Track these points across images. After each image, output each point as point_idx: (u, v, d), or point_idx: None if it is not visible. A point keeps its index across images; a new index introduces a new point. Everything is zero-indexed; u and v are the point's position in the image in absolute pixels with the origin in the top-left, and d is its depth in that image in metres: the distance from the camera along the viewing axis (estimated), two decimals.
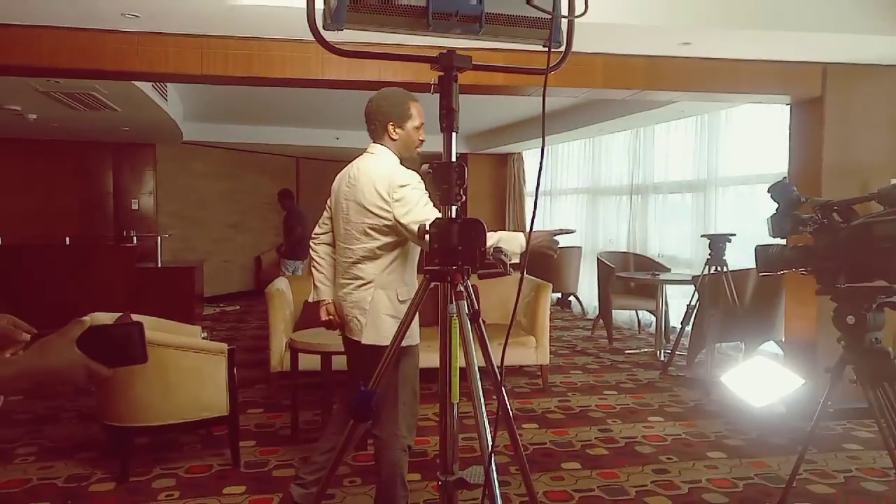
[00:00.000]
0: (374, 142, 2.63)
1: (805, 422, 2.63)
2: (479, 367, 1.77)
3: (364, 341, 2.53)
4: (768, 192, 2.36)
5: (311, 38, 1.52)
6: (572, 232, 2.44)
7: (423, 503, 3.03)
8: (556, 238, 2.31)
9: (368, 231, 2.51)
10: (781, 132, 4.90)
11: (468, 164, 11.44)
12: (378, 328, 2.51)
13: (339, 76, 3.76)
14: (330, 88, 4.07)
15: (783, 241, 2.37)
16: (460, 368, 1.84)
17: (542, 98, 1.57)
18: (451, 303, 1.84)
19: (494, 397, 1.67)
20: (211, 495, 3.12)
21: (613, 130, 7.84)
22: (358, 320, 2.54)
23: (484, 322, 1.91)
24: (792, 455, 3.05)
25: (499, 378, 1.90)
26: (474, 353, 1.81)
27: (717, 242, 4.96)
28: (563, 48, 1.71)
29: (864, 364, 2.02)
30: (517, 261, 2.32)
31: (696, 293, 5.12)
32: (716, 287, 4.88)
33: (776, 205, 2.34)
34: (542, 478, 3.28)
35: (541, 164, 1.84)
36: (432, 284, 1.81)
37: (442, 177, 1.82)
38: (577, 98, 4.92)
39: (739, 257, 4.97)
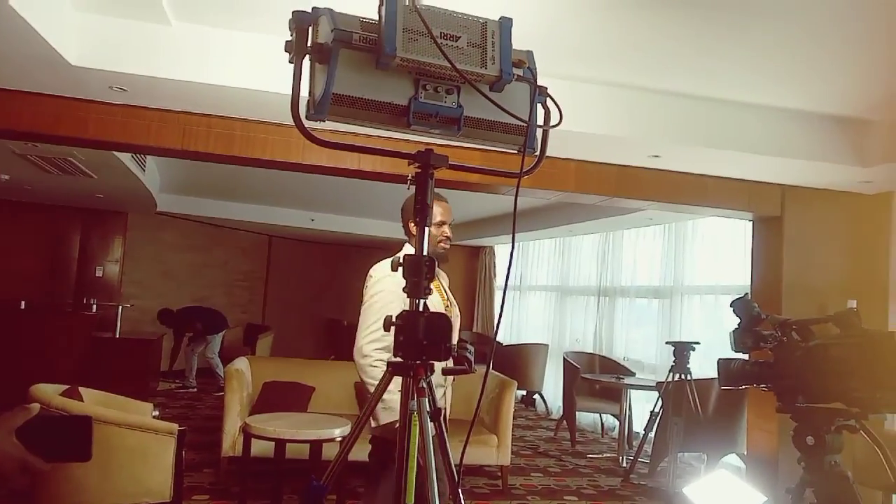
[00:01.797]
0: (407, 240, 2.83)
1: None
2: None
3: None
4: (731, 306, 2.40)
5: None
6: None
7: None
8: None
9: None
10: (746, 245, 5.06)
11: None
12: (377, 417, 2.64)
13: (320, 162, 3.84)
14: (310, 173, 4.14)
15: (745, 356, 2.40)
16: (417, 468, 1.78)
17: (514, 197, 1.62)
18: (413, 399, 1.81)
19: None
20: None
21: (584, 232, 8.03)
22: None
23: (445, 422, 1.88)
24: None
25: (456, 480, 1.85)
26: (432, 452, 1.76)
27: (682, 350, 5.00)
28: (537, 154, 1.78)
29: (823, 487, 2.00)
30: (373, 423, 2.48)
31: (660, 399, 5.11)
32: (679, 395, 4.88)
33: (738, 319, 2.39)
34: None
35: (510, 262, 1.86)
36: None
37: (412, 270, 1.83)
38: (550, 199, 5.07)
39: (704, 365, 5.01)
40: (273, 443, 3.75)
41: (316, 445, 3.70)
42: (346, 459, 1.93)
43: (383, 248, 9.75)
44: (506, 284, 1.97)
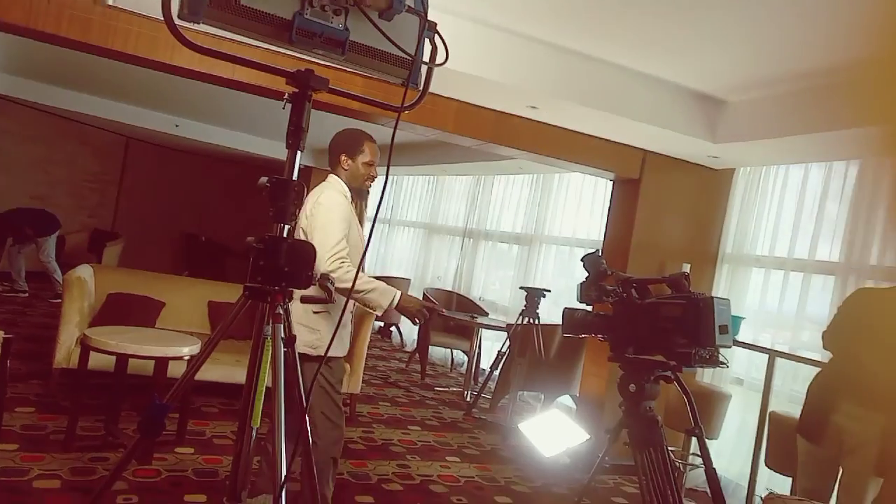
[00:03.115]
0: (331, 172, 2.91)
1: (584, 474, 2.86)
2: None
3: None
4: (581, 260, 2.56)
5: None
6: (441, 312, 2.75)
7: None
8: (425, 310, 2.72)
9: None
10: (604, 204, 5.37)
11: (311, 178, 11.28)
12: (305, 333, 2.65)
13: (190, 66, 3.56)
14: (177, 76, 3.84)
15: (589, 307, 2.58)
16: (266, 391, 1.78)
17: (393, 131, 1.61)
18: (268, 324, 1.79)
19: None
20: None
21: (457, 173, 8.14)
22: None
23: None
24: None
25: (304, 405, 1.87)
26: (282, 379, 1.77)
27: (533, 295, 5.28)
28: (420, 90, 1.77)
29: (636, 429, 2.24)
30: (380, 313, 2.55)
31: (508, 340, 5.40)
32: (526, 337, 5.18)
33: (587, 273, 2.56)
34: None
35: (382, 194, 1.86)
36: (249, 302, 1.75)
37: (279, 193, 1.77)
38: (428, 137, 5.08)
39: (552, 312, 5.33)
40: (114, 357, 3.57)
41: (161, 363, 3.57)
42: (192, 378, 1.89)
43: (254, 166, 9.36)
44: (375, 217, 1.97)
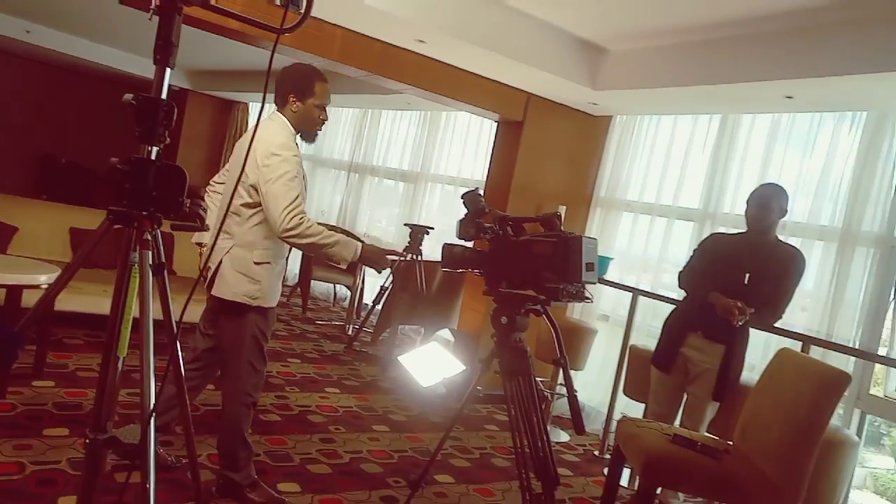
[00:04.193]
0: (276, 109, 2.69)
1: (459, 402, 2.98)
2: (157, 321, 1.67)
3: (213, 292, 2.64)
4: (461, 197, 2.61)
5: None
6: (403, 257, 2.66)
7: (66, 461, 2.74)
8: (388, 258, 2.73)
9: (240, 189, 2.56)
10: (489, 144, 5.45)
11: (187, 102, 10.59)
12: (229, 282, 2.60)
13: None
14: None
15: (469, 244, 2.65)
16: (134, 321, 1.71)
17: (271, 54, 1.54)
18: (135, 250, 1.70)
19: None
20: None
21: (342, 105, 7.93)
22: (213, 270, 2.64)
23: (173, 274, 1.81)
24: (444, 432, 3.42)
25: (175, 332, 1.81)
26: (151, 306, 1.70)
27: (417, 232, 5.34)
28: (301, 12, 1.69)
29: (506, 358, 2.36)
30: (343, 266, 2.45)
31: (391, 276, 5.45)
32: (409, 273, 5.25)
33: (466, 210, 2.61)
34: (208, 440, 3.19)
35: (257, 122, 1.79)
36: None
37: (146, 113, 1.66)
38: (311, 64, 4.89)
39: (436, 249, 5.41)
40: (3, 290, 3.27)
41: (14, 291, 3.30)
42: (49, 307, 1.79)
43: (126, 84, 8.62)
44: (249, 146, 1.90)
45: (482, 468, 3.61)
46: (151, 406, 1.60)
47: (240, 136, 10.34)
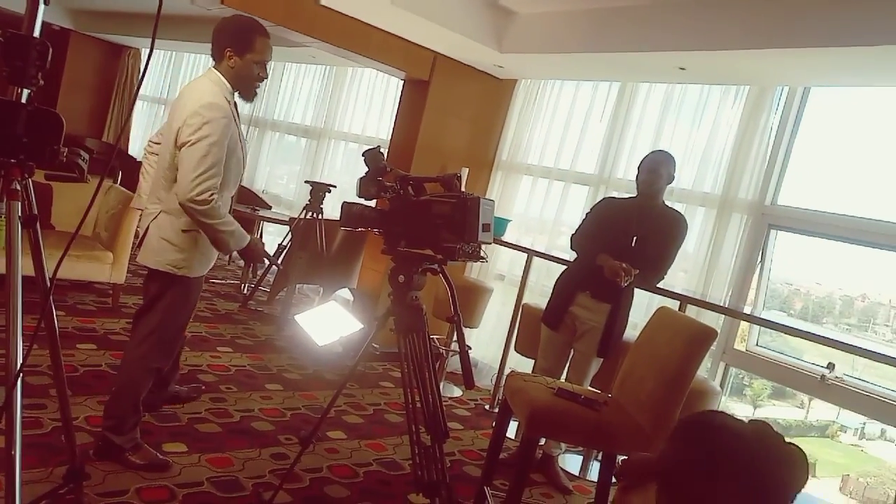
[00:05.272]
0: (213, 65, 2.55)
1: (353, 361, 3.00)
2: (28, 278, 1.57)
3: (138, 259, 2.58)
4: (363, 155, 2.58)
5: None
6: (275, 264, 2.62)
7: None
8: (264, 259, 2.74)
9: (167, 151, 2.47)
10: (395, 103, 5.39)
11: (69, 44, 9.85)
12: (154, 250, 2.51)
13: None
14: None
15: (371, 203, 2.63)
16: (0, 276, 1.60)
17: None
18: (1, 201, 1.59)
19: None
20: None
21: None
22: (140, 236, 2.57)
23: (52, 228, 1.70)
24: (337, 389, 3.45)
25: (48, 290, 1.72)
26: (20, 261, 1.60)
27: (318, 190, 5.25)
28: None
29: (402, 316, 2.39)
30: (224, 254, 2.70)
31: (290, 234, 5.34)
32: (309, 231, 5.17)
33: (367, 169, 2.59)
34: (87, 402, 3.06)
35: (144, 69, 1.69)
36: None
37: (15, 51, 1.53)
38: (211, 11, 4.61)
39: (337, 208, 5.33)
40: None
41: None
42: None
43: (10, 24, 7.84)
44: (136, 92, 1.80)
45: (375, 424, 3.66)
46: (18, 367, 1.51)
47: (129, 84, 9.76)
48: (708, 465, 1.18)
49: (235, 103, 2.59)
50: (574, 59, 4.32)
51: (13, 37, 1.52)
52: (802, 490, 1.19)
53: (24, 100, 1.57)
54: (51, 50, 1.61)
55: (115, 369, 3.50)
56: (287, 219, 5.92)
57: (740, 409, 4.46)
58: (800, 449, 1.21)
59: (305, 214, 5.21)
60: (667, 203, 3.43)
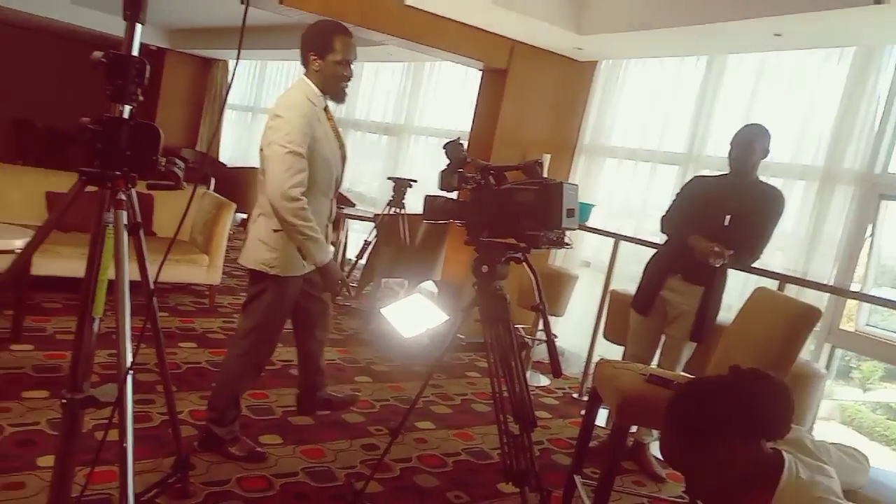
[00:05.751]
0: (303, 73, 2.62)
1: (439, 352, 3.02)
2: (134, 282, 1.66)
3: (238, 260, 2.72)
4: (443, 148, 2.59)
5: None
6: (349, 293, 2.61)
7: (46, 422, 2.76)
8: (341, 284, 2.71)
9: (259, 156, 2.55)
10: (474, 94, 5.37)
11: (165, 62, 10.39)
12: (250, 250, 2.62)
13: None
14: None
15: (452, 195, 2.64)
16: (109, 281, 1.70)
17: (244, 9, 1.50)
18: (109, 210, 1.69)
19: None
20: None
21: None
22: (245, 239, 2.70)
23: (153, 235, 1.80)
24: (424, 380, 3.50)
25: (151, 293, 1.81)
26: (126, 265, 1.69)
27: (400, 186, 5.32)
28: None
29: (486, 306, 2.38)
30: (307, 264, 2.56)
31: (375, 230, 5.44)
32: (392, 226, 5.24)
33: (448, 161, 2.59)
34: (190, 396, 3.23)
35: (232, 78, 1.76)
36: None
37: (117, 71, 1.63)
38: (292, 18, 4.76)
39: (419, 202, 5.38)
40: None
41: None
42: (24, 270, 1.78)
43: (93, 44, 8.39)
44: (224, 101, 1.87)
45: (462, 413, 3.67)
46: (128, 365, 1.61)
47: (218, 95, 10.21)
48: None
49: (327, 107, 2.65)
50: (658, 35, 4.14)
51: (114, 57, 1.61)
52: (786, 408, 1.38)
53: (126, 115, 1.67)
54: (148, 67, 1.69)
55: (215, 366, 3.69)
56: (371, 215, 6.03)
57: (847, 392, 4.19)
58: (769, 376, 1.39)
59: (389, 210, 5.29)
60: (761, 179, 3.25)
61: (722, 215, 3.11)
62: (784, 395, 1.39)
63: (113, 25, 8.17)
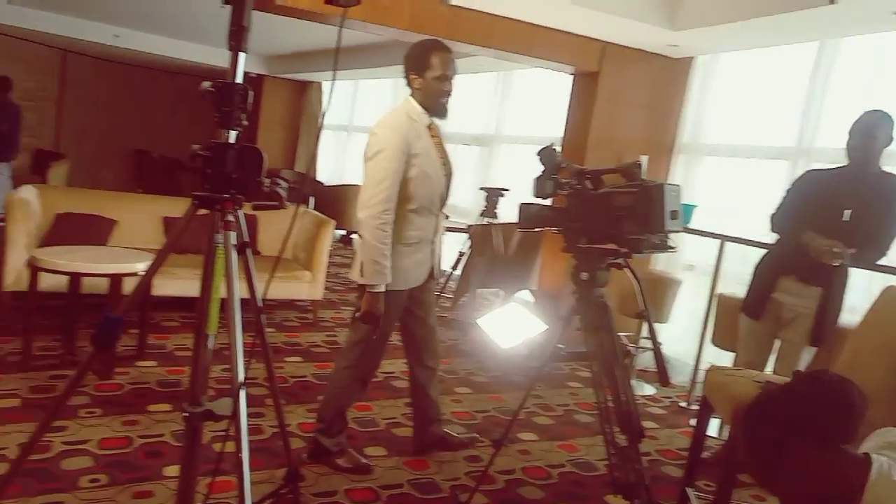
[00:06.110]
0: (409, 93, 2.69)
1: (540, 362, 2.98)
2: (243, 299, 1.73)
3: (349, 275, 2.82)
4: (537, 154, 2.55)
5: None
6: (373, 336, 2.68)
7: (170, 433, 2.93)
8: (375, 319, 2.59)
9: None
10: (564, 99, 5.30)
11: (264, 87, 10.88)
12: (356, 263, 2.65)
13: None
14: None
15: (545, 201, 2.60)
16: (222, 299, 1.78)
17: (339, 29, 1.54)
18: (219, 232, 1.77)
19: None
20: None
21: None
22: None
23: (258, 254, 1.87)
24: (525, 391, 3.46)
25: (259, 309, 1.88)
26: (236, 283, 1.76)
27: (492, 195, 5.30)
28: None
29: (588, 314, 2.32)
30: (356, 280, 2.58)
31: (469, 241, 5.45)
32: (485, 236, 5.24)
33: (542, 167, 2.55)
34: (297, 409, 3.33)
35: (329, 98, 1.81)
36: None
37: (223, 98, 1.71)
38: (383, 36, 4.89)
39: (511, 211, 5.36)
40: (66, 277, 3.52)
41: (116, 280, 3.52)
42: (146, 291, 1.89)
43: (199, 75, 8.95)
44: (321, 122, 1.92)
45: (565, 424, 3.60)
46: (241, 379, 1.68)
47: (315, 116, 10.60)
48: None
49: (431, 124, 2.68)
50: (761, 23, 3.91)
51: (221, 86, 1.69)
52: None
53: (232, 140, 1.74)
54: (251, 93, 1.77)
55: (321, 379, 3.80)
56: (465, 226, 6.05)
57: None
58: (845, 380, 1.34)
59: (482, 220, 5.29)
60: (884, 170, 3.00)
61: (840, 210, 2.90)
62: (845, 396, 1.32)
63: (212, 56, 8.69)
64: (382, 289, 2.57)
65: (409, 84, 2.66)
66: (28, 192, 4.48)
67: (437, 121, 2.73)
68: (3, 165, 7.59)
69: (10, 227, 4.11)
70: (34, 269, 3.46)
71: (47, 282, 3.55)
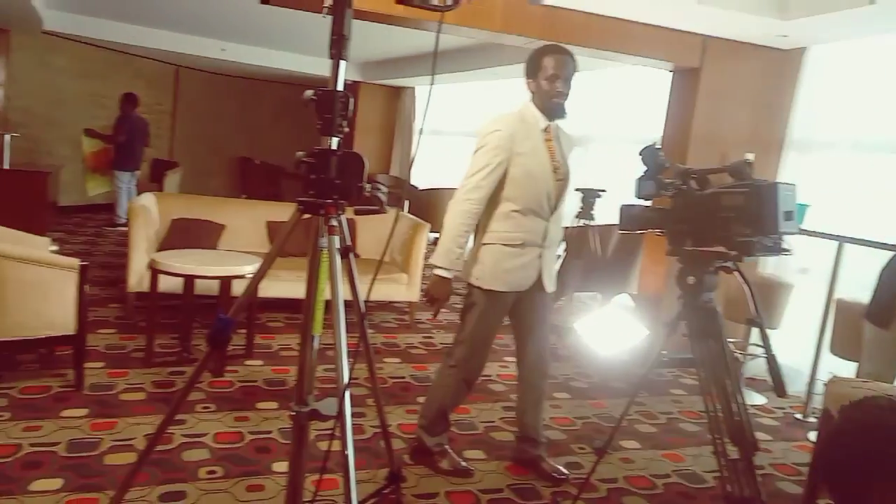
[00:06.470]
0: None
1: (642, 368, 2.88)
2: (346, 301, 1.77)
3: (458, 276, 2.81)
4: (639, 154, 2.48)
5: None
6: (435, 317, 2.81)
7: (276, 431, 3.04)
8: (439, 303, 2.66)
9: None
10: (659, 97, 5.13)
11: (359, 93, 11.15)
12: (466, 263, 2.72)
13: None
14: None
15: (647, 203, 2.51)
16: (326, 301, 1.83)
17: (436, 33, 1.55)
18: (323, 236, 1.82)
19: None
20: (47, 417, 2.96)
21: (508, 76, 7.87)
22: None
23: (357, 256, 1.92)
24: (627, 398, 3.35)
25: (362, 312, 1.91)
26: (341, 286, 1.81)
27: (589, 197, 5.18)
28: None
29: (695, 320, 2.22)
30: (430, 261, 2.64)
31: (565, 243, 5.36)
32: (582, 239, 5.13)
33: (644, 167, 2.47)
34: (397, 410, 3.38)
35: (427, 103, 1.82)
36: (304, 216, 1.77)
37: (325, 106, 1.75)
38: (476, 39, 4.90)
39: (607, 213, 5.23)
40: (181, 279, 3.74)
41: (225, 282, 3.72)
42: (254, 294, 1.96)
43: (299, 85, 9.30)
44: (422, 126, 1.95)
45: (669, 433, 3.47)
46: (346, 380, 1.71)
47: (409, 120, 10.77)
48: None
49: (548, 127, 2.68)
50: (882, 8, 3.64)
51: (322, 93, 1.74)
52: None
53: (334, 146, 1.79)
54: (352, 100, 1.81)
55: (419, 380, 3.84)
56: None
57: None
58: None
59: (578, 222, 5.18)
60: None
61: None
62: None
63: (312, 66, 9.00)
64: (450, 275, 2.61)
65: (527, 88, 2.69)
66: (147, 200, 4.80)
67: (561, 125, 2.75)
68: (124, 174, 8.23)
69: (132, 232, 4.43)
70: (154, 271, 3.70)
71: (165, 283, 3.79)
